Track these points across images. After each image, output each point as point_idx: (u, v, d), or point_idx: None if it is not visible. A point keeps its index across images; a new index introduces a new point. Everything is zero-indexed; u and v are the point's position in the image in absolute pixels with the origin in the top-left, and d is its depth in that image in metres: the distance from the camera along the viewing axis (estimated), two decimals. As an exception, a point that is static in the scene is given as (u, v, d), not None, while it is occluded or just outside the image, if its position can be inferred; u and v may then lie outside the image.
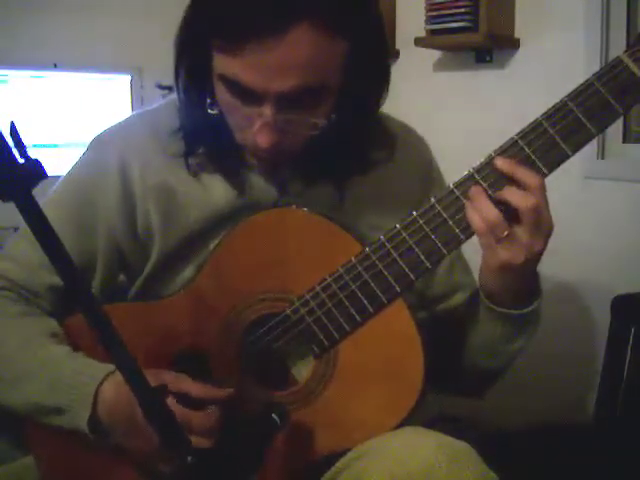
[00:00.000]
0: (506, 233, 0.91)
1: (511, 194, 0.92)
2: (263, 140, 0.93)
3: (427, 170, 1.15)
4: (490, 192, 0.93)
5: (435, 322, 1.12)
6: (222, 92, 0.94)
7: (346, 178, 1.06)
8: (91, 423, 0.94)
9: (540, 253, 0.93)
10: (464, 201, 0.94)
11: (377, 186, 1.08)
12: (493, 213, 0.91)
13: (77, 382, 0.96)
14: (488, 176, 0.93)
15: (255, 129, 0.93)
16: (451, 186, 0.95)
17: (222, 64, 0.91)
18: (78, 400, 0.95)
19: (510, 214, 0.92)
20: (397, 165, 1.09)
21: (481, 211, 0.92)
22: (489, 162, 0.93)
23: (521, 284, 0.98)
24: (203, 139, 1.03)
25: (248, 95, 0.91)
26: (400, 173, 1.10)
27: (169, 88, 1.08)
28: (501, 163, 0.93)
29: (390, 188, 1.09)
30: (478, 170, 0.94)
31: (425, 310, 1.12)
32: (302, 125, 0.94)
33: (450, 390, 1.14)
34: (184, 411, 0.88)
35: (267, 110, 0.91)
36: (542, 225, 0.91)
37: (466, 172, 0.95)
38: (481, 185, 0.94)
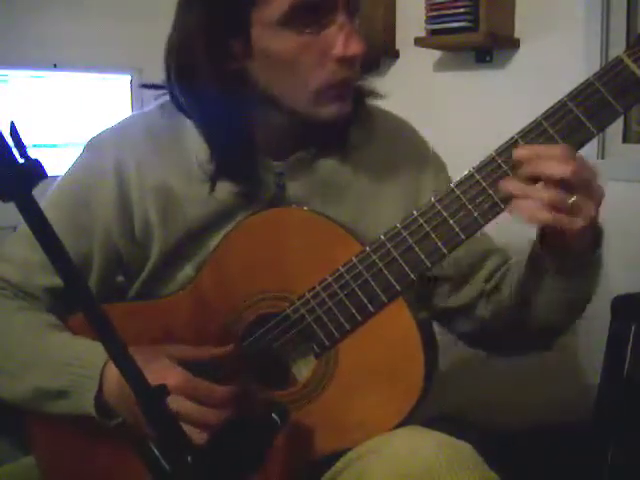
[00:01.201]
0: (572, 200, 0.87)
1: (549, 167, 0.88)
2: (354, 47, 0.94)
3: (422, 158, 1.14)
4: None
5: (481, 294, 1.11)
6: (286, 39, 0.93)
7: (347, 152, 1.06)
8: (96, 403, 0.95)
9: (600, 201, 0.90)
10: (502, 207, 0.91)
11: (370, 169, 1.08)
12: (547, 194, 0.87)
13: (81, 363, 0.97)
14: (488, 175, 0.93)
15: (340, 45, 0.93)
16: (451, 185, 0.95)
17: None
18: (83, 381, 0.96)
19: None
20: (388, 150, 1.10)
21: (537, 199, 0.88)
22: (490, 162, 0.93)
23: (591, 237, 0.96)
24: (230, 149, 1.02)
25: (319, 12, 0.92)
26: (392, 158, 1.10)
27: (156, 87, 1.07)
28: (522, 150, 0.90)
29: (383, 171, 1.09)
30: (478, 169, 0.94)
31: (462, 284, 1.11)
32: (360, 29, 0.96)
33: (521, 351, 1.13)
34: (204, 383, 0.91)
35: (342, 16, 0.93)
36: (590, 180, 0.89)
37: (466, 172, 0.95)
38: (482, 183, 0.93)
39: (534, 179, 0.89)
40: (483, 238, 1.12)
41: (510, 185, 0.90)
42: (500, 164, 0.93)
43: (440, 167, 1.16)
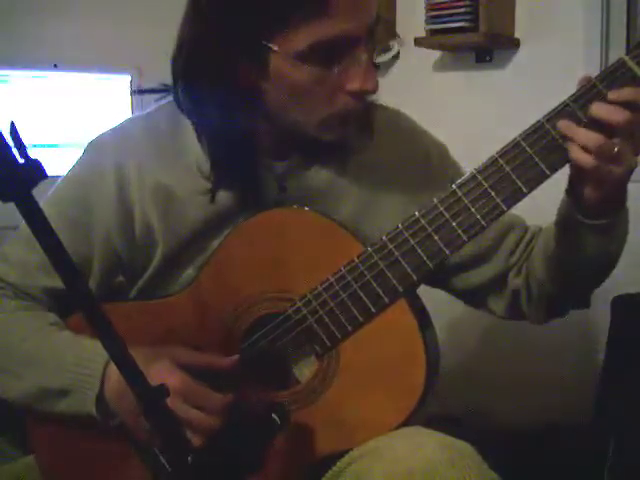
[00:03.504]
0: (617, 149, 0.87)
1: (599, 110, 0.88)
2: (371, 84, 0.93)
3: (427, 154, 1.13)
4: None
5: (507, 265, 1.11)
6: (303, 72, 0.91)
7: (348, 154, 1.06)
8: (97, 403, 0.95)
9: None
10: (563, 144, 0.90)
11: (372, 168, 1.08)
12: (593, 137, 0.88)
13: (83, 362, 0.97)
14: (491, 176, 0.93)
15: (357, 80, 0.92)
16: (454, 187, 0.95)
17: (310, 34, 0.89)
18: (85, 380, 0.96)
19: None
20: (390, 149, 1.09)
21: (581, 141, 0.88)
22: (492, 164, 0.93)
23: (622, 192, 0.96)
24: (233, 163, 1.02)
25: (342, 50, 0.91)
26: (394, 157, 1.09)
27: (153, 91, 1.07)
28: (618, 94, 0.88)
29: (385, 170, 1.09)
30: (481, 171, 0.94)
31: (484, 260, 1.11)
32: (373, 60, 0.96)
33: (559, 312, 1.14)
34: (202, 389, 0.91)
35: (363, 53, 0.92)
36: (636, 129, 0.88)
37: (469, 173, 0.95)
38: (484, 185, 0.93)
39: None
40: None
41: (564, 124, 0.90)
42: (502, 166, 0.93)
43: (443, 163, 1.14)
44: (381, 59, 2.37)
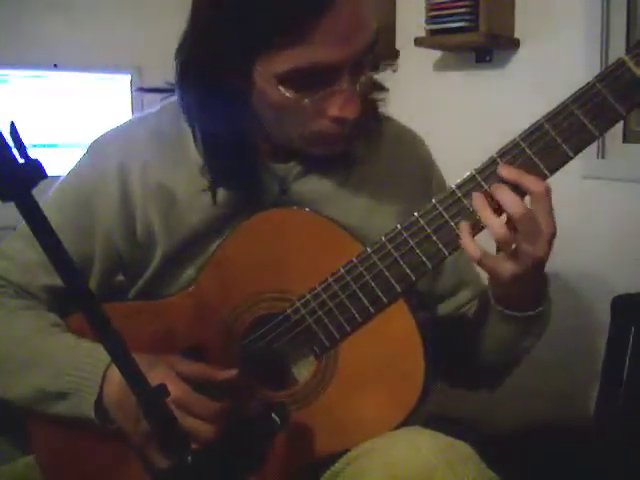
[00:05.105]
0: (514, 246, 0.89)
1: (503, 196, 0.90)
2: (350, 111, 0.92)
3: (427, 171, 1.15)
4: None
5: (443, 321, 1.13)
6: (280, 94, 0.91)
7: (351, 161, 1.06)
8: (96, 407, 0.95)
9: (543, 259, 0.91)
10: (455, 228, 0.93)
11: (375, 180, 1.08)
12: (502, 231, 0.89)
13: (84, 366, 0.97)
14: (490, 177, 0.93)
15: (337, 107, 0.92)
16: (452, 187, 0.95)
17: (291, 58, 0.88)
18: (84, 384, 0.96)
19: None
20: (394, 162, 1.10)
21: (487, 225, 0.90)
22: (491, 164, 0.93)
23: (530, 289, 0.98)
24: (229, 165, 1.02)
25: (323, 77, 0.90)
26: (397, 171, 1.10)
27: (155, 90, 1.07)
28: (507, 172, 0.91)
29: (388, 183, 1.09)
30: (480, 171, 0.94)
31: (431, 308, 1.13)
32: (366, 85, 0.95)
33: (463, 385, 1.16)
34: (199, 397, 0.91)
35: (345, 82, 0.91)
36: (539, 231, 0.89)
37: (468, 173, 0.95)
38: (483, 187, 0.93)
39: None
40: (459, 269, 1.13)
41: (476, 202, 0.92)
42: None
43: (442, 180, 1.17)
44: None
